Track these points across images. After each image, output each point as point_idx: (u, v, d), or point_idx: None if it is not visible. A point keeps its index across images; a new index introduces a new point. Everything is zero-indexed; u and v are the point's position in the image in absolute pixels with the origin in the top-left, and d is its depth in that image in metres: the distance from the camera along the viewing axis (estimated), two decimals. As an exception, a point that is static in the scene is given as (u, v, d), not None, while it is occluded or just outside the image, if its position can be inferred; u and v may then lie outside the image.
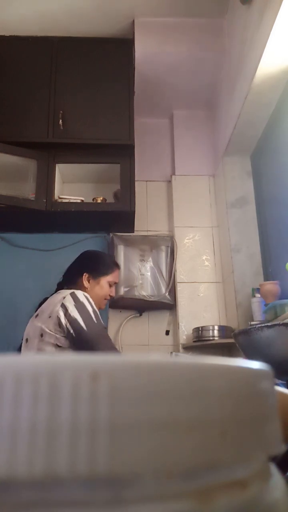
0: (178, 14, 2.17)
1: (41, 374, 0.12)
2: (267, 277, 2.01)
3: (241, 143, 2.14)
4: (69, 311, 1.29)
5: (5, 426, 0.11)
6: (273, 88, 1.77)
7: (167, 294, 2.16)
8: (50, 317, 1.31)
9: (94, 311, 1.33)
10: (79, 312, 1.29)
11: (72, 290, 1.36)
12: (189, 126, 2.53)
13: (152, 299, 2.13)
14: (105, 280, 1.50)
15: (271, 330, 0.71)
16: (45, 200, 2.03)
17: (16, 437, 0.11)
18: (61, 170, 2.22)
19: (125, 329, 2.20)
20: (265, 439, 0.14)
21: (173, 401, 0.12)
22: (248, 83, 1.78)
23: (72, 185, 2.38)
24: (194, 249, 2.29)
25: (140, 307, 2.19)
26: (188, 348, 2.07)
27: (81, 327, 1.26)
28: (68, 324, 1.27)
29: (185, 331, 2.12)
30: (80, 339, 1.26)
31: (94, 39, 2.29)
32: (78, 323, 1.27)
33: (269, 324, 0.72)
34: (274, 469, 0.15)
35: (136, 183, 2.16)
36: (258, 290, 1.85)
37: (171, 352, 2.07)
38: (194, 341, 2.01)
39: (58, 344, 1.29)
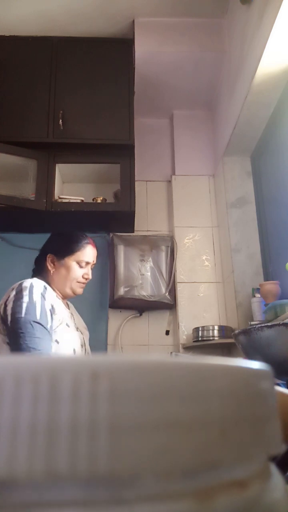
0: (178, 14, 2.17)
1: (41, 374, 0.12)
2: (267, 277, 2.01)
3: (241, 143, 2.14)
4: (6, 303, 1.16)
5: (5, 426, 0.11)
6: (273, 88, 1.77)
7: (167, 294, 2.16)
8: None
9: (29, 302, 1.15)
10: (13, 303, 1.14)
11: (24, 280, 1.23)
12: (189, 126, 2.53)
13: (152, 299, 2.13)
14: (71, 260, 1.32)
15: (271, 330, 0.71)
16: (45, 200, 2.03)
17: (16, 437, 0.11)
18: (61, 170, 2.22)
19: (125, 329, 2.20)
20: (265, 439, 0.14)
21: (173, 401, 0.12)
22: (248, 83, 1.78)
23: (72, 185, 2.38)
24: (194, 249, 2.29)
25: (140, 307, 2.19)
26: (188, 348, 2.07)
27: (7, 320, 1.13)
28: (1, 318, 1.16)
29: (185, 331, 2.12)
30: (6, 334, 1.14)
31: (94, 39, 2.29)
32: (6, 316, 1.13)
33: (269, 324, 0.72)
34: (274, 469, 0.15)
35: (136, 183, 2.16)
36: (258, 290, 1.85)
37: (171, 352, 2.08)
38: (194, 341, 2.01)
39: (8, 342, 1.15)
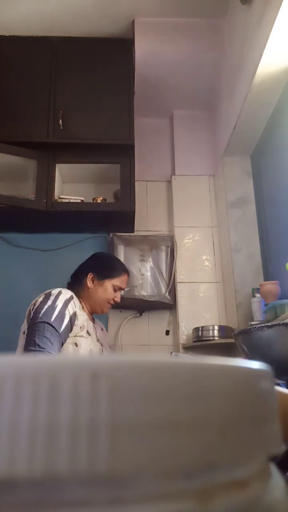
0: (178, 14, 2.17)
1: (41, 374, 0.12)
2: (267, 277, 2.01)
3: (241, 143, 2.14)
4: (35, 303, 1.31)
5: (5, 426, 0.11)
6: (273, 88, 1.77)
7: (167, 294, 2.16)
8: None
9: (51, 306, 1.28)
10: (38, 304, 1.29)
11: (56, 288, 1.37)
12: (189, 126, 2.53)
13: (152, 299, 2.13)
14: (109, 283, 1.47)
15: (271, 330, 0.71)
16: (45, 200, 2.03)
17: (16, 437, 0.11)
18: (61, 170, 2.22)
19: (125, 329, 2.20)
20: (265, 439, 0.14)
21: (173, 401, 0.12)
22: (248, 83, 1.78)
23: (72, 185, 2.38)
24: (194, 249, 2.29)
25: (140, 307, 2.19)
26: (188, 348, 2.07)
27: (28, 316, 1.29)
28: (28, 315, 1.31)
29: (185, 331, 2.12)
30: (30, 322, 1.28)
31: (94, 39, 2.29)
32: (30, 313, 1.29)
33: (269, 324, 0.72)
34: (274, 469, 0.15)
35: (136, 183, 2.16)
36: (258, 290, 1.85)
37: (171, 352, 2.07)
38: (194, 341, 2.01)
39: None
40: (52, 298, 1.31)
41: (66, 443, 0.11)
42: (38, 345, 1.20)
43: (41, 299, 1.32)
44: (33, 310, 1.29)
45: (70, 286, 1.48)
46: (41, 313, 1.26)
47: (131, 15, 2.18)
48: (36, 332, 1.23)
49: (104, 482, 0.11)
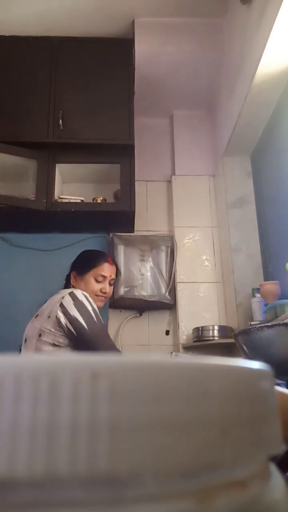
0: (178, 14, 2.17)
1: (41, 374, 0.12)
2: (267, 277, 2.01)
3: (241, 143, 2.14)
4: (69, 310, 1.29)
5: (5, 426, 0.11)
6: (273, 88, 1.77)
7: (167, 294, 2.16)
8: (49, 317, 1.32)
9: (93, 309, 1.32)
10: (79, 311, 1.29)
11: (71, 290, 1.37)
12: (189, 126, 2.53)
13: (152, 299, 2.13)
14: (89, 276, 1.48)
15: (271, 330, 0.71)
16: (45, 200, 2.03)
17: (16, 437, 0.11)
18: (61, 170, 2.22)
19: (125, 329, 2.20)
20: (265, 439, 0.14)
21: (173, 401, 0.12)
22: (248, 83, 1.78)
23: (72, 185, 2.38)
24: (194, 249, 2.29)
25: (140, 307, 2.19)
26: (188, 348, 2.07)
27: (82, 326, 1.27)
28: (68, 324, 1.28)
29: (185, 331, 2.12)
30: (81, 338, 1.27)
31: (94, 39, 2.29)
32: (79, 322, 1.27)
33: (269, 324, 0.72)
34: (274, 469, 0.15)
35: (136, 183, 2.16)
36: (258, 290, 1.85)
37: (171, 352, 2.07)
38: (194, 341, 2.01)
39: (56, 343, 1.29)
40: (85, 300, 1.33)
41: (66, 443, 0.11)
42: (114, 347, 1.31)
43: (72, 304, 1.30)
44: (80, 317, 1.28)
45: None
46: (93, 317, 1.29)
47: (131, 15, 2.18)
48: (106, 336, 1.30)
49: (104, 482, 0.11)
